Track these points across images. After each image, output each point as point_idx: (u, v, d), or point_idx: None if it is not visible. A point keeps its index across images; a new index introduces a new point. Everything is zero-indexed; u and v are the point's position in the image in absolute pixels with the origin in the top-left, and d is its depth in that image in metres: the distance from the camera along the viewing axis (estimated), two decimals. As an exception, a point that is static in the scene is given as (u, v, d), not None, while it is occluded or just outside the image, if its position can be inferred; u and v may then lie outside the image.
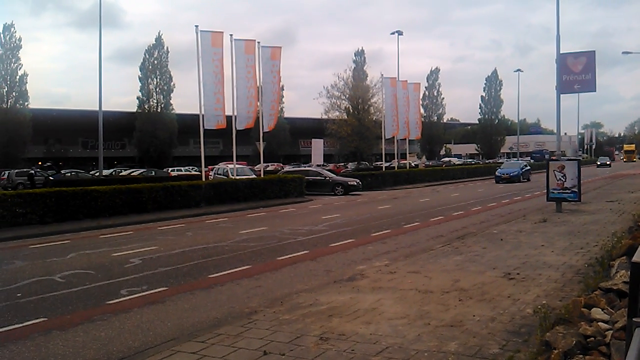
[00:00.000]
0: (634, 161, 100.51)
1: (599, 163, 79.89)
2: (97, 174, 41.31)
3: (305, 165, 48.91)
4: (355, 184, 32.79)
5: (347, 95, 53.81)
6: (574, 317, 5.52)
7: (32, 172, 38.80)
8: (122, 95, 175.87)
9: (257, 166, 35.41)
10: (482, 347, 5.59)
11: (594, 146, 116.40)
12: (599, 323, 5.30)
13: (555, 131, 24.66)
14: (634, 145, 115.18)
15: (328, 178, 32.99)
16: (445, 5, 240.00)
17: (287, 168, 45.31)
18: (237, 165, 31.91)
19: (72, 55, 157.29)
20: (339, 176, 35.39)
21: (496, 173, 42.90)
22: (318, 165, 41.92)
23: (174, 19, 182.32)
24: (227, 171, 33.12)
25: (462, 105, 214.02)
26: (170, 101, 59.48)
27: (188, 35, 37.36)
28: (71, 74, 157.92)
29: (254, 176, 31.35)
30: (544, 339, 5.15)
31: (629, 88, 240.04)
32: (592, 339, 4.95)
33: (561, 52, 20.60)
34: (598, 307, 5.73)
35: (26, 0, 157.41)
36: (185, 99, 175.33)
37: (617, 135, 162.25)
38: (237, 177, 29.25)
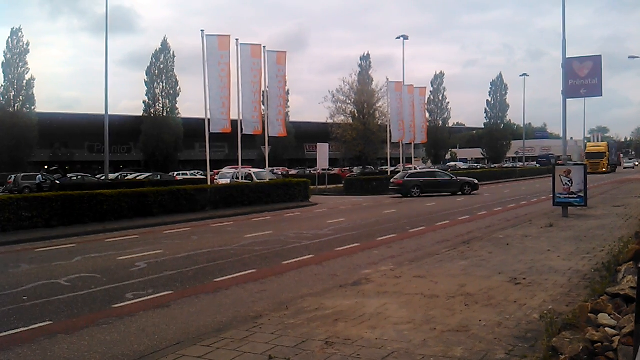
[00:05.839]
0: (603, 172, 63.53)
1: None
2: (103, 177, 41.44)
3: (317, 168, 48.86)
4: (477, 182, 34.98)
5: (353, 100, 53.92)
6: (580, 323, 5.49)
7: (39, 180, 37.83)
8: (132, 99, 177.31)
9: (277, 169, 35.30)
10: (488, 353, 5.56)
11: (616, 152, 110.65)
12: (606, 328, 5.27)
13: (561, 136, 24.59)
14: (604, 145, 73.66)
15: (456, 178, 34.51)
16: (453, 10, 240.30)
17: (319, 171, 44.01)
18: (259, 170, 32.18)
19: (84, 59, 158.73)
20: (461, 177, 36.65)
21: None
22: (323, 170, 41.96)
23: (186, 24, 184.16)
24: (250, 175, 33.01)
25: (470, 110, 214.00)
26: (176, 105, 59.82)
27: (198, 39, 37.58)
28: (82, 77, 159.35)
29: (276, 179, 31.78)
30: (551, 345, 5.13)
31: (638, 92, 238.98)
32: (599, 344, 4.92)
33: (570, 56, 20.55)
34: (605, 312, 5.70)
35: (43, 4, 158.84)
36: (195, 103, 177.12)
37: (623, 140, 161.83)
38: (260, 180, 29.73)
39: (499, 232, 14.94)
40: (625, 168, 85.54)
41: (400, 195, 32.23)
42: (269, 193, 27.24)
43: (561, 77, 20.55)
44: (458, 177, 34.99)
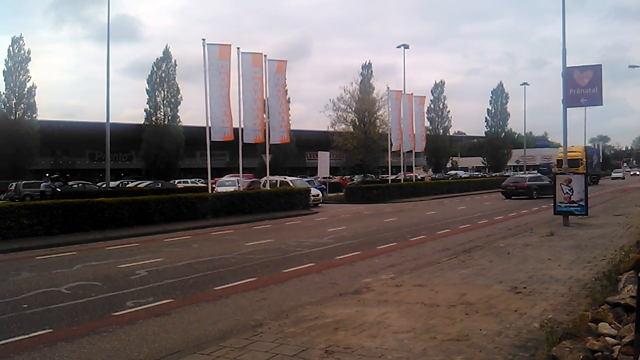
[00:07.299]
0: None
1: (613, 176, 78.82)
2: (104, 185, 41.43)
3: (317, 177, 48.96)
4: None
5: (354, 108, 53.98)
6: (581, 332, 5.49)
7: (44, 187, 37.15)
8: (134, 107, 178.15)
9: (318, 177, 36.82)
10: (488, 362, 5.55)
11: (600, 160, 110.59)
12: (607, 338, 5.27)
13: (562, 144, 24.56)
14: (580, 150, 56.92)
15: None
16: (455, 19, 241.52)
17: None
18: (294, 177, 33.01)
19: (87, 67, 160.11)
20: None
21: None
22: (324, 178, 42.01)
23: (190, 33, 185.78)
24: (286, 182, 33.22)
25: (472, 118, 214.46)
26: (178, 113, 59.89)
27: (201, 48, 37.00)
28: (85, 86, 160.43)
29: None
30: (551, 354, 5.12)
31: (639, 101, 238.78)
32: (600, 353, 4.92)
33: (571, 65, 20.56)
34: (605, 321, 5.70)
35: (47, 13, 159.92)
36: (198, 111, 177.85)
37: (624, 149, 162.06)
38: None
39: (500, 241, 14.93)
40: (614, 179, 78.96)
41: (504, 197, 36.09)
42: (270, 201, 27.26)
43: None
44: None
